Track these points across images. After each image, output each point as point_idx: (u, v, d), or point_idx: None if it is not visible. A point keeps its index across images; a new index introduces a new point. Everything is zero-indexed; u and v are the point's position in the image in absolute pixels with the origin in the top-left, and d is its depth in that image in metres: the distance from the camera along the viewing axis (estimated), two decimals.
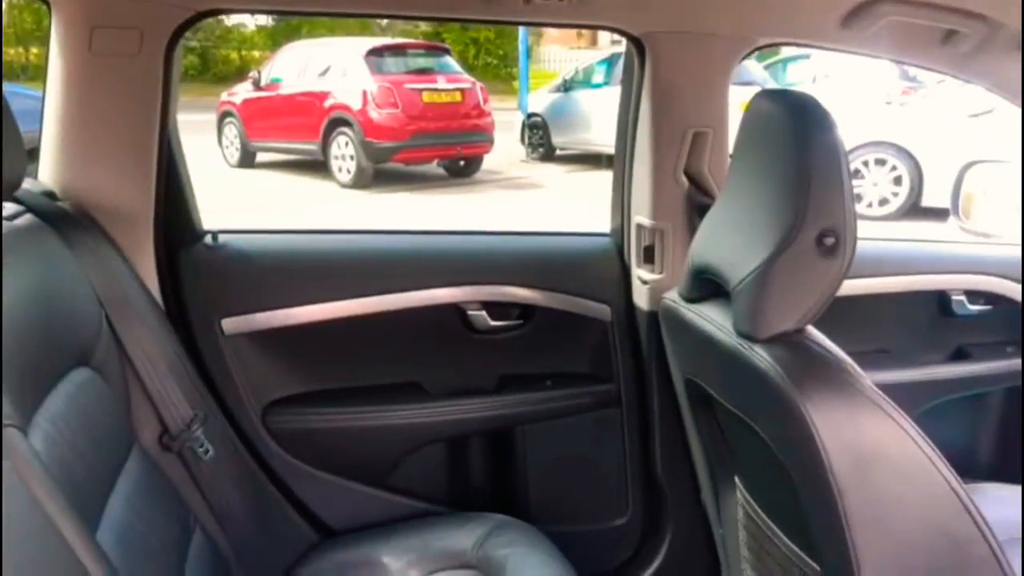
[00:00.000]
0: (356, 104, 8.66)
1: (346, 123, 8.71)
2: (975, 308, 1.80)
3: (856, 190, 7.04)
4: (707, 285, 1.25)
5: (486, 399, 1.67)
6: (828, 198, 1.02)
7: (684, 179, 1.56)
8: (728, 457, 1.42)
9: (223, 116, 9.95)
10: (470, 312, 1.63)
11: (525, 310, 1.67)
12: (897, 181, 7.02)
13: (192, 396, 1.36)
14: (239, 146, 9.83)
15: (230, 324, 1.50)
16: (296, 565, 1.46)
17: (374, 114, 8.62)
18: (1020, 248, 1.80)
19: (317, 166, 9.14)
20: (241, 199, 7.30)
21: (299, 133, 9.17)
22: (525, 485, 1.71)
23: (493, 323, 1.64)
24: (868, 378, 1.05)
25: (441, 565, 1.43)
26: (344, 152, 8.79)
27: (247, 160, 9.88)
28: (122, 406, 1.24)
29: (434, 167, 9.72)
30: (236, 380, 1.51)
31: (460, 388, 1.67)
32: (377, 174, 8.84)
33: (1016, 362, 1.81)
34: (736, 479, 1.42)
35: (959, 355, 1.85)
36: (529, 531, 1.49)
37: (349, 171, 8.77)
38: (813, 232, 1.02)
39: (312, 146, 9.06)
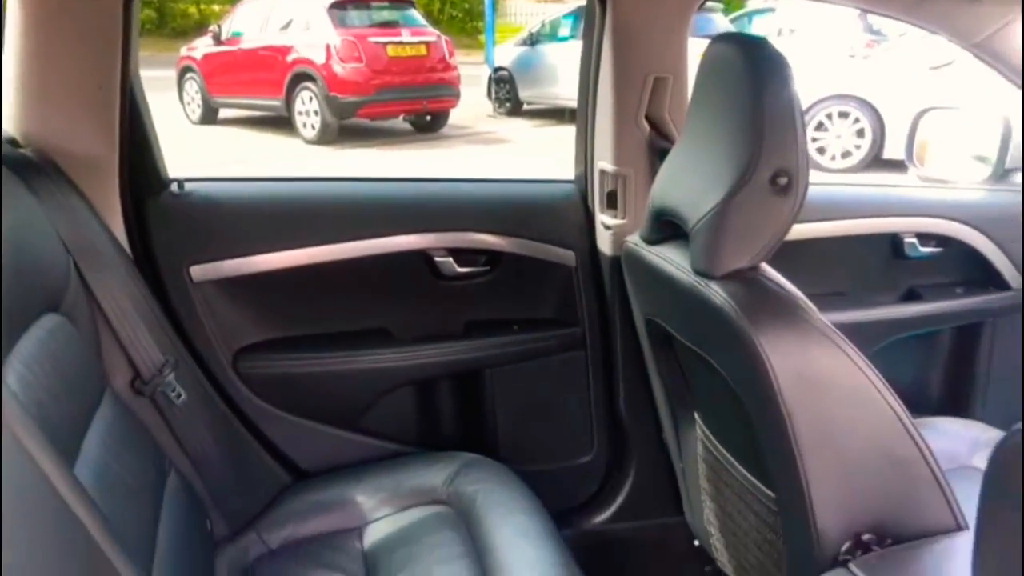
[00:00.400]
0: (320, 58, 8.54)
1: (310, 78, 8.60)
2: (926, 250, 1.85)
3: (819, 143, 7.16)
4: (667, 227, 1.29)
5: (454, 344, 1.70)
6: (781, 140, 1.06)
7: (645, 124, 1.58)
8: (688, 394, 1.47)
9: (183, 72, 9.76)
10: (437, 259, 1.65)
11: (491, 256, 1.70)
12: (860, 134, 7.10)
13: (163, 342, 1.37)
14: (200, 102, 9.67)
15: (198, 271, 1.51)
16: (270, 506, 1.50)
17: (338, 68, 8.51)
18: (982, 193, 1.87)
19: (281, 122, 9.02)
20: (205, 156, 7.21)
21: (262, 89, 9.04)
22: (493, 426, 1.75)
23: (460, 269, 1.67)
24: (819, 313, 1.10)
25: (413, 502, 1.48)
26: (308, 108, 8.69)
27: (209, 116, 9.72)
28: (93, 352, 1.25)
29: (400, 122, 9.64)
30: (206, 327, 1.53)
31: (428, 333, 1.69)
32: (342, 130, 8.75)
33: (964, 301, 1.88)
34: (695, 415, 1.47)
35: (911, 296, 1.90)
36: (498, 468, 1.53)
37: (314, 127, 8.68)
38: (767, 172, 1.06)
39: (276, 102, 8.94)
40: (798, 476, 1.08)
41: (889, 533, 1.10)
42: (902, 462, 1.10)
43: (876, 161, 7.01)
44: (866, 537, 1.09)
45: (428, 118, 9.56)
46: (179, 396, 1.36)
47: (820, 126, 7.09)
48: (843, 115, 7.08)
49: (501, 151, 8.76)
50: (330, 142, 8.60)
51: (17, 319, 1.01)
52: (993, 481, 0.70)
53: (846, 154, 7.14)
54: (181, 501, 1.27)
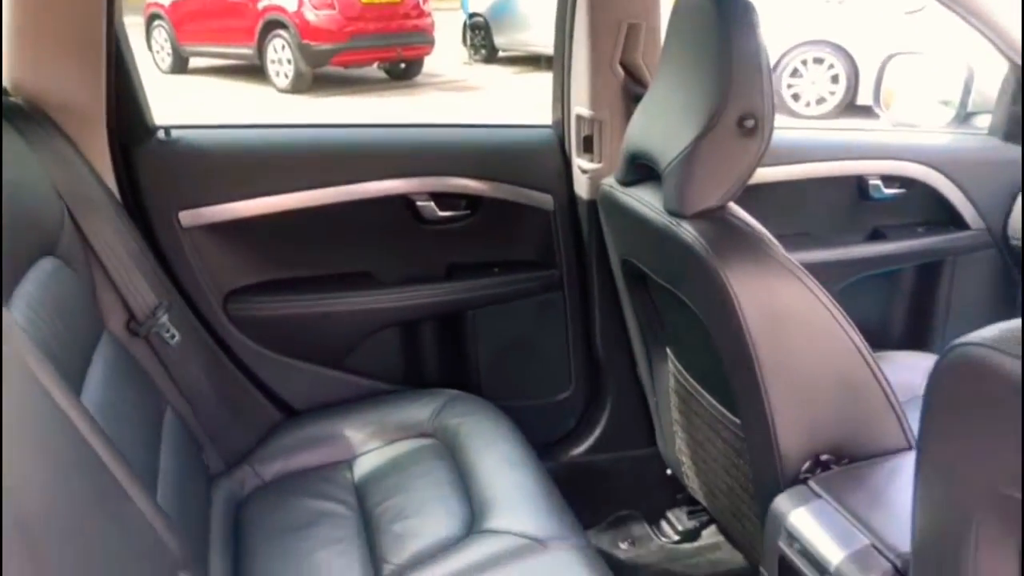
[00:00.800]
0: (291, 5, 8.41)
1: (282, 25, 8.46)
2: (890, 191, 1.91)
3: (794, 89, 7.15)
4: (641, 169, 1.35)
5: (436, 286, 1.75)
6: (748, 84, 1.12)
7: (620, 70, 1.62)
8: (660, 330, 1.54)
9: (151, 19, 9.55)
10: (419, 203, 1.69)
11: (472, 201, 1.74)
12: (834, 80, 7.12)
13: (155, 285, 1.41)
14: (170, 51, 9.49)
15: (187, 217, 1.55)
16: (263, 441, 1.56)
17: (310, 15, 8.39)
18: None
19: (254, 71, 8.89)
20: (176, 107, 7.12)
21: (233, 36, 8.88)
22: (476, 364, 1.82)
23: (441, 213, 1.71)
24: (784, 250, 1.16)
25: (400, 435, 1.54)
26: (281, 56, 8.56)
27: (179, 66, 9.55)
28: (89, 294, 1.30)
29: (374, 70, 9.53)
30: (195, 271, 1.57)
31: (411, 276, 1.74)
32: (316, 78, 8.65)
33: (926, 240, 1.96)
34: (667, 350, 1.54)
35: (875, 236, 1.97)
36: (481, 403, 1.60)
37: (287, 75, 8.57)
38: (734, 115, 1.12)
39: (247, 50, 8.80)
40: (762, 403, 1.15)
41: (846, 454, 1.18)
42: (859, 389, 1.17)
43: (850, 107, 7.05)
44: (824, 457, 1.18)
45: (402, 66, 9.46)
46: (173, 337, 1.41)
47: (795, 72, 7.10)
48: (818, 61, 7.09)
49: (476, 98, 8.71)
50: (304, 91, 8.50)
51: (18, 260, 1.05)
52: (932, 392, 0.77)
53: (821, 100, 7.17)
54: (178, 437, 1.33)
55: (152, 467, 1.18)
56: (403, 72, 9.52)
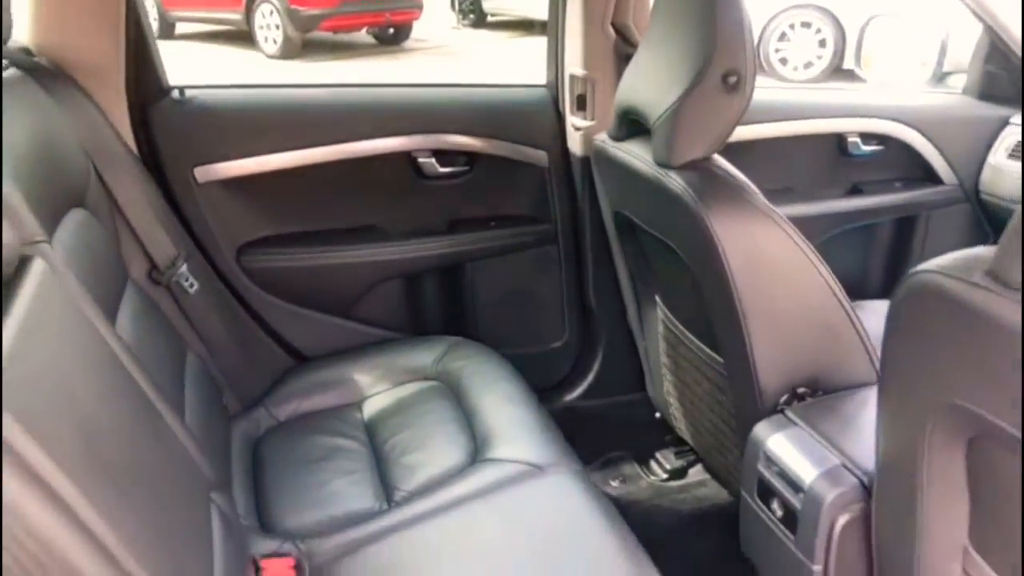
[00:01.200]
0: None
1: None
2: (868, 148, 2.00)
3: (782, 53, 7.17)
4: (632, 125, 1.43)
5: (437, 239, 1.84)
6: (732, 43, 1.20)
7: (611, 31, 1.70)
8: (650, 278, 1.64)
9: None
10: (421, 159, 1.77)
11: (470, 157, 1.82)
12: (822, 44, 7.15)
13: (174, 237, 1.50)
14: (156, 16, 9.38)
15: (201, 173, 1.63)
16: (276, 385, 1.65)
17: None
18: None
19: (242, 36, 8.84)
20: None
21: (220, 1, 8.82)
22: (474, 314, 1.91)
23: (442, 169, 1.79)
24: (764, 198, 1.25)
25: (406, 379, 1.64)
26: (269, 21, 8.50)
27: (166, 31, 9.46)
28: (115, 244, 1.38)
29: (363, 35, 9.50)
30: (210, 224, 1.65)
31: (414, 229, 1.83)
32: (305, 44, 8.61)
33: (902, 195, 2.05)
34: (656, 298, 1.64)
35: (854, 191, 2.06)
36: (481, 348, 1.70)
37: (275, 41, 8.52)
38: (719, 72, 1.20)
39: (235, 15, 8.73)
40: (743, 340, 1.24)
41: (821, 386, 1.27)
42: (833, 327, 1.27)
43: (838, 71, 7.09)
44: (801, 390, 1.27)
45: (391, 31, 9.42)
46: (192, 286, 1.50)
47: (783, 36, 7.12)
48: (805, 25, 7.10)
49: (465, 63, 8.70)
50: (293, 56, 8.47)
51: (54, 208, 1.13)
52: (892, 316, 0.86)
53: (808, 65, 7.20)
54: (200, 377, 1.42)
55: (179, 401, 1.27)
56: (391, 37, 9.49)
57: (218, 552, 1.04)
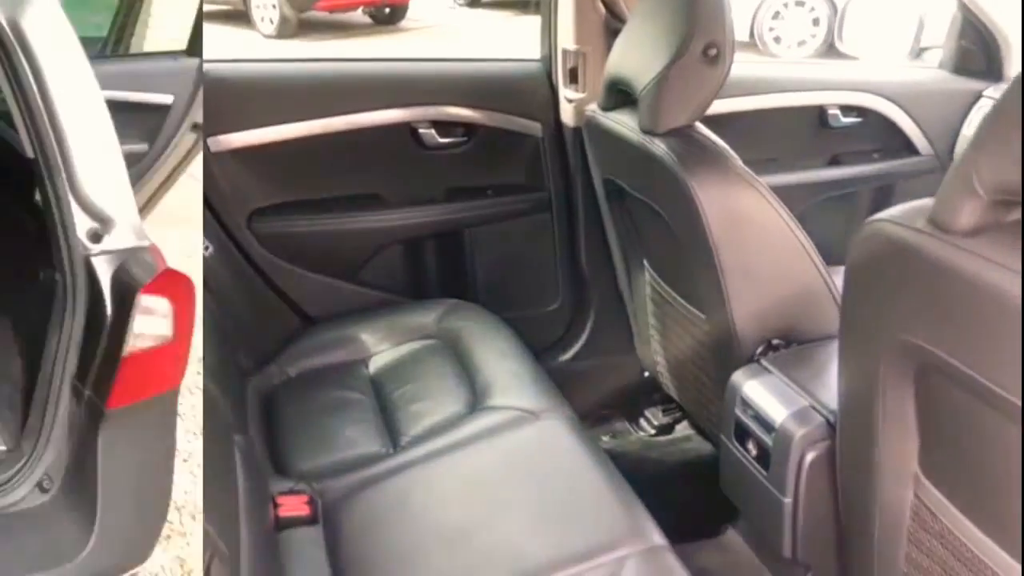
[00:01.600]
0: None
1: None
2: (848, 120, 2.08)
3: (775, 32, 7.19)
4: (619, 95, 1.52)
5: (437, 207, 1.93)
6: (712, 17, 1.29)
7: (601, 7, 1.79)
8: (638, 243, 1.73)
9: None
10: (421, 130, 1.86)
11: (468, 128, 1.91)
12: (815, 22, 7.19)
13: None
14: None
15: (214, 142, 1.72)
16: (286, 344, 1.75)
17: None
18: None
19: (238, 16, 8.85)
20: None
21: None
22: (473, 278, 2.01)
23: (441, 140, 1.88)
24: (742, 163, 1.34)
25: (408, 338, 1.74)
26: (266, 1, 8.52)
27: None
28: None
29: (359, 15, 9.49)
30: (223, 190, 1.74)
31: (414, 198, 1.92)
32: (301, 24, 8.63)
33: (880, 165, 2.14)
34: (644, 262, 1.73)
35: (834, 161, 2.15)
36: (480, 310, 1.80)
37: (272, 21, 8.51)
38: (700, 45, 1.29)
39: None
40: (722, 296, 1.34)
41: (794, 338, 1.37)
42: (806, 283, 1.36)
43: (831, 50, 7.14)
44: (775, 341, 1.37)
45: (387, 10, 9.40)
46: (207, 248, 1.59)
47: (776, 15, 7.16)
48: (799, 3, 7.15)
49: (460, 43, 8.72)
50: (289, 36, 8.48)
51: None
52: (849, 263, 0.96)
53: (801, 43, 7.24)
54: (217, 333, 1.52)
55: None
56: (388, 17, 9.48)
57: (242, 488, 1.14)
